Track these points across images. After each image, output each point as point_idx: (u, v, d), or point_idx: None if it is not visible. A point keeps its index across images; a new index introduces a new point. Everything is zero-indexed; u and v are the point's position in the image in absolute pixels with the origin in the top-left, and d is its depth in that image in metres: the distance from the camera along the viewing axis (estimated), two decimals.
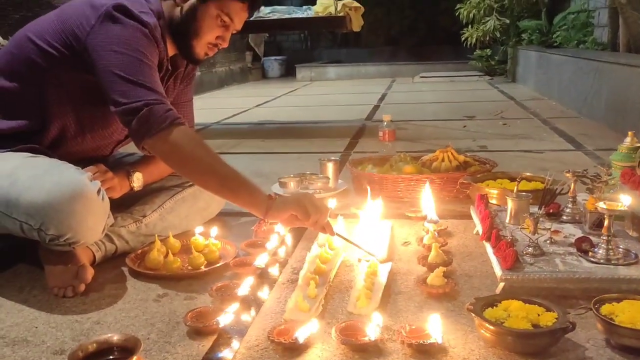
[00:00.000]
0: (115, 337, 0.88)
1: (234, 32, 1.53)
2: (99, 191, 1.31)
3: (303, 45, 11.04)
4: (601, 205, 1.23)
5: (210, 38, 1.49)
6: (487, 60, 7.29)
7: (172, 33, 1.48)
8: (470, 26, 6.75)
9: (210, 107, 5.33)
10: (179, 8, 1.47)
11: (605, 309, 1.04)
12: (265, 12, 3.75)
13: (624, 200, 1.23)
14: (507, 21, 6.49)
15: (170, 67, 1.54)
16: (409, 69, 8.39)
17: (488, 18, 6.51)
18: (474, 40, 6.63)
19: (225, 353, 1.04)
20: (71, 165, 1.36)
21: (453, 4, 7.23)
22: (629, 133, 1.64)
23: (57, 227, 1.25)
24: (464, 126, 3.63)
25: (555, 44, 5.24)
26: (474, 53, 7.37)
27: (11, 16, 3.69)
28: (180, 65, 1.61)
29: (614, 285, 1.16)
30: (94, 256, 1.44)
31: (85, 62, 1.35)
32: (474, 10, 6.57)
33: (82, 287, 1.30)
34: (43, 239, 1.28)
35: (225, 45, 1.53)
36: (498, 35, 6.60)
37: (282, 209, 1.33)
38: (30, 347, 1.08)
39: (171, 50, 1.52)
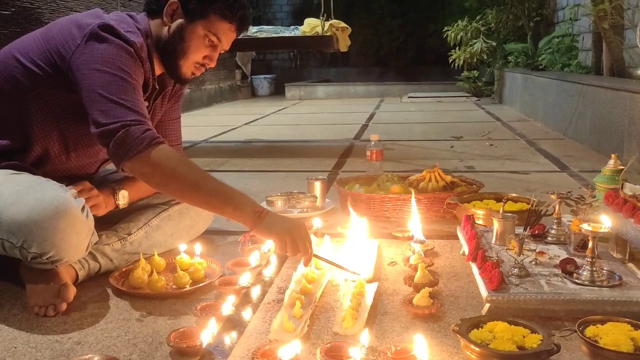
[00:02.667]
0: (96, 358, 0.87)
1: (222, 52, 1.54)
2: (83, 208, 1.30)
3: (292, 64, 11.13)
4: (585, 227, 1.24)
5: (197, 58, 1.49)
6: (474, 82, 7.38)
7: (159, 52, 1.49)
8: (457, 48, 6.85)
9: (199, 124, 5.33)
10: (166, 27, 1.47)
11: (590, 331, 1.04)
12: (252, 31, 3.78)
13: (605, 222, 1.24)
14: (494, 44, 6.60)
15: (157, 86, 1.55)
16: (398, 89, 8.47)
17: (475, 40, 6.62)
18: (461, 62, 6.73)
19: None
20: (55, 182, 1.35)
21: (441, 26, 7.34)
22: (612, 156, 1.66)
23: (39, 245, 1.23)
24: (451, 146, 3.67)
25: (540, 67, 5.33)
26: (462, 74, 7.47)
27: (0, 32, 3.68)
28: (167, 84, 1.61)
29: (598, 307, 1.16)
30: (77, 274, 1.42)
31: (69, 81, 1.35)
32: (461, 33, 6.67)
33: (64, 307, 1.28)
34: (25, 257, 1.26)
35: (213, 65, 1.54)
36: (485, 57, 6.70)
37: (266, 232, 1.33)
38: None
39: (158, 69, 1.52)
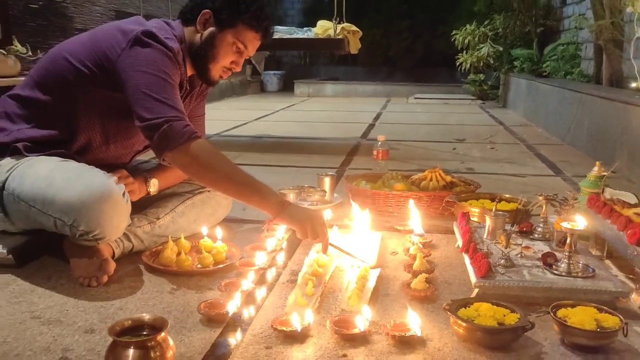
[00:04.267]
0: (147, 317, 1.04)
1: (247, 57, 1.71)
2: (123, 194, 1.48)
3: (302, 61, 11.29)
4: (564, 225, 1.41)
5: (225, 63, 1.67)
6: (480, 85, 7.53)
7: (191, 56, 1.66)
8: (465, 52, 7.00)
9: (212, 118, 5.46)
10: (199, 34, 1.65)
11: (561, 312, 1.21)
12: None
13: (580, 222, 1.40)
14: (500, 49, 6.75)
15: (188, 87, 1.72)
16: (404, 90, 8.62)
17: (482, 45, 6.77)
18: (468, 65, 6.88)
19: (234, 338, 1.20)
20: (99, 170, 1.53)
21: (450, 29, 7.49)
22: (597, 163, 1.83)
23: (87, 224, 1.41)
24: (454, 148, 3.83)
25: (544, 74, 5.48)
26: (468, 77, 7.62)
27: (28, 24, 3.86)
28: (196, 84, 1.79)
29: (572, 294, 1.33)
30: (114, 252, 1.60)
31: (114, 80, 1.52)
32: (469, 37, 6.83)
33: (105, 279, 1.46)
34: (73, 234, 1.44)
35: (239, 69, 1.71)
36: (491, 61, 6.85)
37: (288, 220, 1.53)
38: (63, 326, 1.24)
39: (189, 71, 1.70)
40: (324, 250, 1.56)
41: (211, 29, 1.63)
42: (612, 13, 3.37)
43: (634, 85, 2.76)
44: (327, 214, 1.99)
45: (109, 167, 1.69)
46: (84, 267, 1.48)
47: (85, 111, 1.59)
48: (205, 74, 1.69)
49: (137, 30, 1.53)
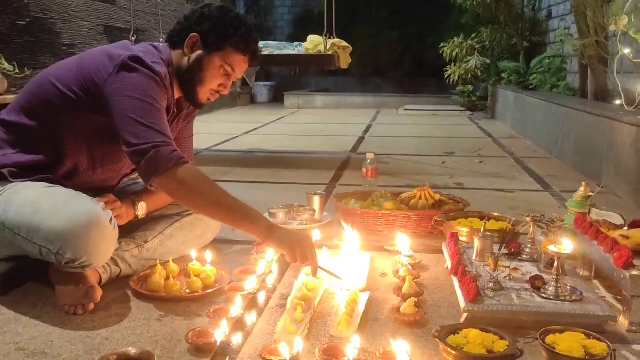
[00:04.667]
0: (133, 351, 1.04)
1: (235, 80, 1.72)
2: (111, 220, 1.47)
3: (292, 72, 11.32)
4: (552, 248, 1.42)
5: (213, 85, 1.67)
6: (468, 96, 7.59)
7: (179, 79, 1.66)
8: (453, 64, 7.06)
9: (201, 132, 5.47)
10: (187, 57, 1.65)
11: (550, 338, 1.22)
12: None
13: (566, 245, 1.41)
14: (488, 61, 6.81)
15: (176, 110, 1.72)
16: (394, 101, 8.67)
17: (470, 57, 6.83)
18: (456, 77, 6.94)
19: None
20: (86, 196, 1.52)
21: (438, 40, 7.56)
22: (583, 183, 1.85)
23: (74, 252, 1.40)
24: (443, 162, 3.85)
25: (531, 86, 5.53)
26: (457, 88, 7.68)
27: (15, 41, 3.84)
28: (184, 107, 1.78)
29: (560, 318, 1.34)
30: (101, 278, 1.58)
31: (101, 105, 1.51)
32: (457, 50, 6.89)
33: (92, 306, 1.45)
34: (59, 262, 1.43)
35: (226, 92, 1.71)
36: (479, 73, 6.92)
37: (277, 244, 1.52)
38: (48, 359, 1.22)
39: (177, 94, 1.70)
40: (314, 274, 1.56)
41: (199, 52, 1.63)
42: (596, 31, 3.42)
43: (618, 102, 2.79)
44: (316, 234, 1.98)
45: (96, 190, 1.68)
46: (69, 295, 1.46)
47: (72, 136, 1.58)
48: (193, 97, 1.68)
49: (124, 55, 1.53)
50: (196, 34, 1.62)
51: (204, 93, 1.67)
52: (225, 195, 1.51)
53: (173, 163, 1.44)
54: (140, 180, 1.90)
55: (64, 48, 4.36)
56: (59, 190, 1.52)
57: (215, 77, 1.65)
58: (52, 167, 1.59)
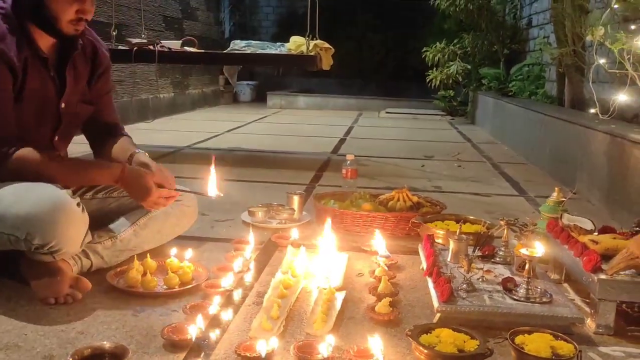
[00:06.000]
0: (107, 345, 1.04)
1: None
2: (78, 204, 1.46)
3: (275, 72, 11.29)
4: (523, 251, 1.46)
5: (70, 16, 1.51)
6: (449, 101, 7.68)
7: (34, 23, 1.52)
8: (435, 69, 7.13)
9: (183, 129, 5.48)
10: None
11: (518, 339, 1.25)
12: (241, 45, 3.96)
13: (538, 248, 1.45)
14: (469, 67, 6.90)
15: (55, 54, 1.60)
16: (376, 104, 8.71)
17: (452, 63, 6.91)
18: (437, 82, 7.02)
19: None
20: (50, 184, 1.49)
21: (421, 44, 7.63)
22: (556, 188, 1.90)
23: (42, 236, 1.39)
24: (422, 165, 3.89)
25: (510, 93, 5.62)
26: (438, 93, 7.75)
27: None
28: (70, 47, 1.62)
29: (530, 319, 1.38)
30: (72, 270, 1.56)
31: None
32: (438, 55, 6.96)
33: (80, 296, 1.46)
34: (29, 248, 1.42)
35: (89, 17, 1.55)
36: (460, 79, 7.00)
37: (129, 185, 1.61)
38: (21, 352, 1.21)
39: (46, 39, 1.55)
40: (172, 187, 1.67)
41: None
42: (573, 41, 3.50)
43: (593, 110, 2.86)
44: (295, 234, 2.00)
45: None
46: (46, 288, 1.45)
47: None
48: (59, 34, 1.54)
49: None
50: None
51: (66, 26, 1.52)
52: (62, 166, 1.57)
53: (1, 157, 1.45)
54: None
55: None
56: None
57: (65, 7, 1.49)
58: None
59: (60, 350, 1.22)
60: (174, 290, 1.55)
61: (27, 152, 1.50)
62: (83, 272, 1.60)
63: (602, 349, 1.34)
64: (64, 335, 1.30)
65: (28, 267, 1.49)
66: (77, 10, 1.52)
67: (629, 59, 2.32)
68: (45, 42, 1.57)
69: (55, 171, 1.53)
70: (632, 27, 2.52)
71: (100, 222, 1.71)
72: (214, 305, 1.43)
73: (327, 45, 3.80)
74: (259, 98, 9.52)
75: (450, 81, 6.99)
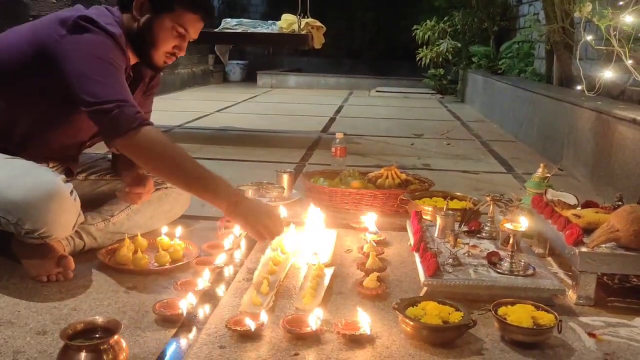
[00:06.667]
0: (99, 319, 1.06)
1: (191, 40, 1.65)
2: (71, 192, 1.47)
3: (265, 51, 11.18)
4: (507, 225, 1.49)
5: (167, 48, 1.60)
6: (439, 80, 7.68)
7: (131, 43, 1.59)
8: (425, 47, 7.12)
9: (173, 109, 5.44)
10: (136, 21, 1.59)
11: (501, 310, 1.29)
12: (232, 24, 3.92)
13: (523, 223, 1.49)
14: (459, 45, 6.89)
15: (132, 74, 1.66)
16: (367, 82, 8.70)
17: (442, 40, 6.90)
18: (427, 60, 7.01)
19: (189, 337, 1.23)
20: (47, 167, 1.51)
21: (412, 22, 7.60)
22: (541, 165, 1.93)
23: (33, 223, 1.40)
24: (412, 144, 3.92)
25: (500, 71, 5.63)
26: (428, 71, 7.75)
27: None
28: (144, 74, 1.74)
29: (513, 292, 1.41)
30: (64, 250, 1.58)
31: (52, 68, 1.45)
32: (429, 32, 6.94)
33: (71, 274, 1.47)
34: (19, 232, 1.42)
35: (183, 54, 1.66)
36: (450, 57, 6.99)
37: (241, 221, 1.51)
38: (15, 328, 1.23)
39: (133, 59, 1.63)
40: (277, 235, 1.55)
41: (148, 14, 1.56)
42: (562, 18, 3.51)
43: (579, 88, 2.88)
44: (283, 211, 2.02)
45: (56, 160, 1.66)
46: (37, 267, 1.47)
47: (22, 98, 1.53)
48: (148, 60, 1.63)
49: (74, 15, 1.48)
50: None
51: (159, 56, 1.61)
52: (187, 161, 1.47)
53: (138, 123, 1.41)
54: (109, 155, 1.89)
55: (31, 19, 4.23)
56: (18, 162, 1.50)
57: (167, 40, 1.59)
58: (3, 133, 1.55)
59: (53, 326, 1.24)
60: (165, 267, 1.57)
61: (159, 131, 1.49)
62: (76, 251, 1.61)
63: (582, 319, 1.38)
64: (57, 311, 1.32)
65: (18, 246, 1.50)
66: (175, 45, 1.60)
67: (615, 35, 2.34)
68: (130, 62, 1.61)
69: (182, 162, 1.46)
70: (620, 3, 2.53)
71: (92, 204, 1.73)
72: (204, 281, 1.45)
73: (318, 23, 3.77)
74: (249, 77, 9.47)
75: (440, 59, 6.99)
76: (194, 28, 1.62)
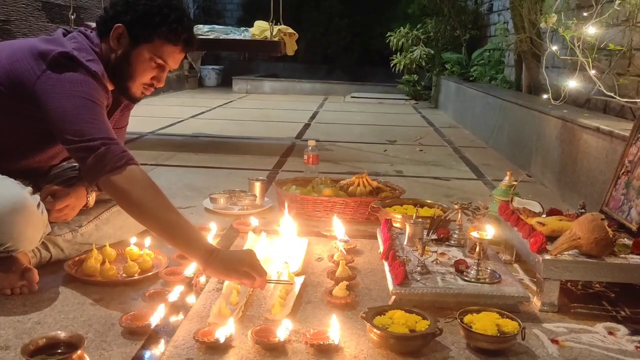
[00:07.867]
0: (62, 334, 1.04)
1: (171, 70, 1.63)
2: (38, 205, 1.44)
3: (241, 57, 11.18)
4: (473, 234, 1.52)
5: (144, 79, 1.57)
6: (413, 85, 7.76)
7: (108, 73, 1.55)
8: (399, 53, 7.19)
9: (147, 114, 5.37)
10: (114, 52, 1.55)
11: (467, 318, 1.31)
12: (204, 30, 3.91)
13: (489, 231, 1.52)
14: (432, 52, 6.98)
15: (111, 102, 1.63)
16: (342, 88, 8.74)
17: (415, 47, 6.98)
18: (401, 66, 7.08)
19: (156, 351, 1.22)
20: (13, 180, 1.47)
21: (386, 29, 7.68)
22: (508, 173, 1.97)
23: None
24: (385, 150, 3.95)
25: (471, 78, 5.72)
26: (403, 77, 7.83)
27: None
28: (122, 99, 1.71)
29: (479, 299, 1.44)
30: (30, 262, 1.55)
31: (31, 104, 1.42)
32: (402, 39, 7.02)
33: (36, 287, 1.44)
34: None
35: (161, 85, 1.62)
36: (424, 63, 7.08)
37: (220, 273, 1.39)
38: None
39: (110, 86, 1.59)
40: (262, 287, 1.41)
41: (126, 44, 1.53)
42: (530, 27, 3.59)
43: (545, 96, 2.95)
44: (254, 221, 2.02)
45: (26, 175, 1.63)
46: (0, 279, 1.43)
47: None
48: (125, 92, 1.60)
49: (54, 51, 1.45)
50: (121, 25, 1.51)
51: (137, 88, 1.59)
52: (166, 209, 1.38)
53: (124, 161, 1.38)
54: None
55: None
56: None
57: (145, 71, 1.55)
58: None
59: (16, 341, 1.22)
60: (133, 278, 1.56)
61: (144, 172, 1.42)
62: (42, 263, 1.59)
63: (546, 325, 1.41)
64: (20, 325, 1.29)
65: None
66: (153, 76, 1.57)
67: (579, 45, 2.40)
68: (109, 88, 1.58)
69: (159, 212, 1.37)
70: (584, 14, 2.60)
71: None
72: (174, 292, 1.44)
73: (290, 30, 3.78)
74: (225, 83, 9.42)
75: (414, 66, 7.07)
76: (174, 59, 1.57)
